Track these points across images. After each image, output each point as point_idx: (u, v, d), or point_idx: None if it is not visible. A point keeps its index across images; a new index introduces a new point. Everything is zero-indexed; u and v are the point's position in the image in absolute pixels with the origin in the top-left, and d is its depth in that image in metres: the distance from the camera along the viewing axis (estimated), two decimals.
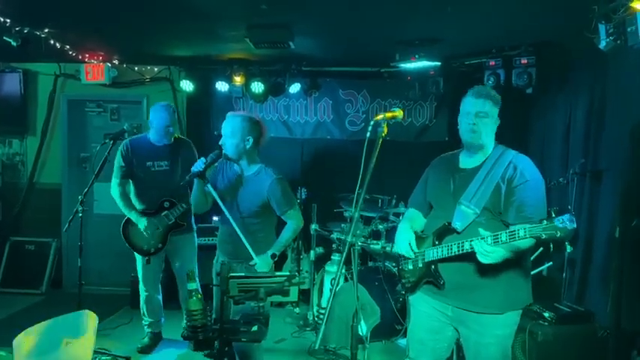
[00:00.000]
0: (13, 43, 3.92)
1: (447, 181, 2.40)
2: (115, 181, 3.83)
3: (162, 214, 3.81)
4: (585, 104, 4.05)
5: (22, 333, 2.03)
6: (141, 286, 4.04)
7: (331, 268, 4.58)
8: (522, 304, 2.35)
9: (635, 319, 3.25)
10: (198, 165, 2.84)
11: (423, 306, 2.44)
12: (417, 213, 2.58)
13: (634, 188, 3.39)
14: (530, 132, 5.08)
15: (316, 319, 4.57)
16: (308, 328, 4.54)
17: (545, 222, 1.91)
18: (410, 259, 2.42)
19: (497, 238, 2.02)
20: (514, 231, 1.99)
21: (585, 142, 4.01)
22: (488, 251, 2.04)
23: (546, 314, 3.27)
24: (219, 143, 2.95)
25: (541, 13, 3.39)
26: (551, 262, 3.74)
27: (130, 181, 3.89)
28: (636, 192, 3.37)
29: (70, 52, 4.87)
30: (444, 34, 4.08)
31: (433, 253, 2.31)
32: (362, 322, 3.30)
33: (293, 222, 3.04)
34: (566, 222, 1.86)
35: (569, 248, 3.73)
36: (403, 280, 2.49)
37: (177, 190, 3.80)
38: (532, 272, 3.60)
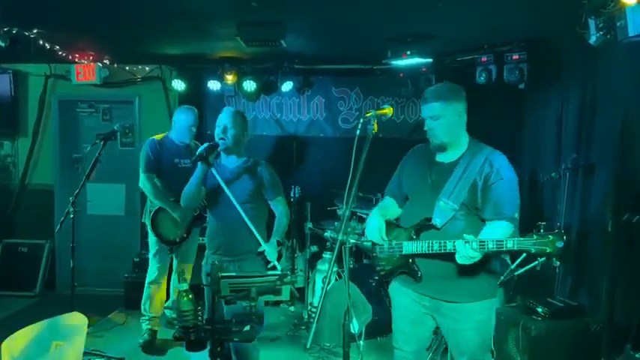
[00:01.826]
0: (1, 44, 3.89)
1: (423, 174, 2.44)
2: (143, 176, 3.96)
3: None
4: (577, 99, 4.05)
5: (11, 336, 2.02)
6: (149, 279, 4.08)
7: (323, 266, 4.58)
8: (496, 292, 2.45)
9: (629, 313, 3.25)
10: (202, 147, 2.92)
11: (401, 298, 2.50)
12: (392, 202, 2.62)
13: (626, 182, 3.40)
14: (523, 127, 5.09)
15: (309, 317, 4.56)
16: (303, 327, 4.53)
17: (535, 236, 1.94)
18: (381, 245, 2.43)
19: (484, 246, 2.06)
20: (502, 242, 2.03)
21: (577, 137, 4.01)
22: (472, 256, 2.09)
23: (539, 309, 3.28)
24: (217, 133, 2.99)
25: (532, 8, 3.39)
26: (544, 258, 3.73)
27: (155, 177, 4.00)
28: (628, 186, 3.38)
29: (60, 53, 4.83)
30: (435, 31, 4.07)
31: (412, 247, 2.32)
32: (354, 320, 3.30)
33: (284, 208, 3.12)
34: (556, 239, 1.90)
35: (556, 262, 3.72)
36: (378, 268, 2.51)
37: None
38: (526, 267, 3.66)
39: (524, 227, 4.13)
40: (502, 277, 3.69)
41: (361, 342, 3.63)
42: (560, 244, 1.90)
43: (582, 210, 3.90)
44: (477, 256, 2.09)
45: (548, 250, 1.91)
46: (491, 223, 2.27)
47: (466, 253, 2.09)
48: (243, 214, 2.90)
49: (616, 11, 2.76)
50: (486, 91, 4.66)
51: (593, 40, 3.04)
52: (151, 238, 4.06)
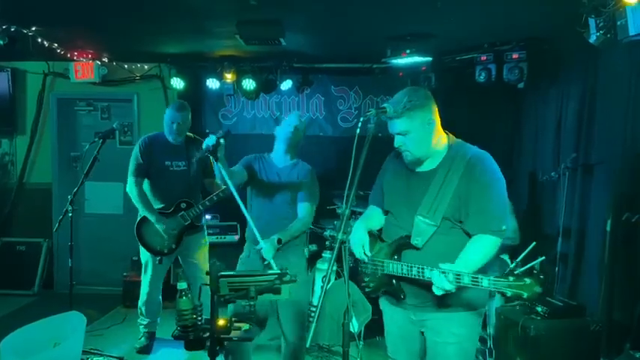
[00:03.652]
0: (0, 42, 3.88)
1: (401, 186, 2.30)
2: (131, 179, 3.75)
3: (179, 214, 3.77)
4: (576, 98, 4.05)
5: (10, 334, 2.01)
6: (143, 287, 3.96)
7: (322, 265, 4.57)
8: (482, 305, 2.27)
9: (628, 312, 3.26)
10: (210, 140, 2.80)
11: (390, 312, 2.41)
12: (377, 210, 2.47)
13: (625, 181, 3.40)
14: (522, 127, 5.09)
15: (308, 317, 4.55)
16: None
17: (511, 278, 1.82)
18: (367, 263, 2.32)
19: (460, 280, 1.92)
20: (477, 278, 1.89)
21: (577, 136, 4.01)
22: (447, 289, 1.94)
23: (539, 308, 3.27)
24: (287, 131, 3.17)
25: (532, 7, 3.38)
26: (543, 257, 3.73)
27: (146, 180, 3.82)
28: (627, 185, 3.38)
29: (59, 51, 4.81)
30: (434, 30, 4.06)
31: (393, 267, 2.19)
32: (353, 320, 3.29)
33: (307, 216, 3.10)
34: (533, 284, 1.79)
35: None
36: (363, 284, 2.38)
37: (194, 191, 3.88)
38: (525, 267, 3.65)
39: (524, 227, 4.16)
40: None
41: (360, 341, 3.63)
42: (538, 289, 1.77)
43: (581, 209, 3.90)
44: (452, 288, 1.94)
45: (525, 295, 1.78)
46: (476, 239, 2.08)
47: (442, 284, 1.93)
48: (276, 208, 3.04)
49: (616, 10, 2.75)
50: (486, 90, 4.67)
51: (593, 39, 3.04)
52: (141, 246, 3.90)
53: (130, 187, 3.76)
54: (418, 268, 2.07)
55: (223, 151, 2.84)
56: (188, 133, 3.94)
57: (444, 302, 2.16)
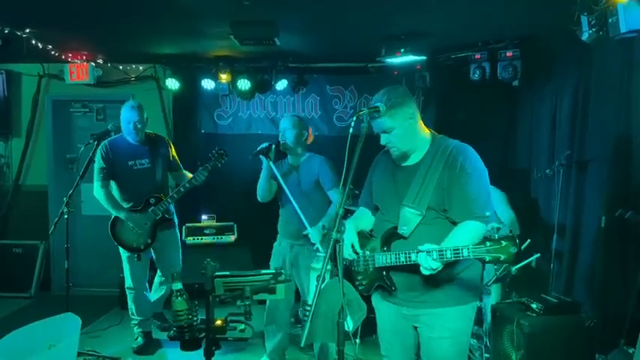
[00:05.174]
0: None
1: (388, 180, 2.35)
2: (97, 183, 3.84)
3: (150, 209, 3.84)
4: (570, 96, 4.07)
5: (4, 338, 2.01)
6: (128, 285, 4.04)
7: (317, 264, 4.57)
8: (475, 298, 2.32)
9: (622, 308, 3.27)
10: (263, 144, 3.35)
11: (383, 309, 2.43)
12: (366, 211, 2.53)
13: (619, 178, 3.42)
14: (517, 124, 5.10)
15: (303, 316, 4.56)
16: (298, 325, 4.53)
17: (488, 243, 1.88)
18: (357, 260, 2.35)
19: (443, 255, 1.97)
20: (458, 250, 1.95)
21: (571, 133, 4.03)
22: (434, 267, 1.99)
23: (534, 305, 3.28)
24: (280, 137, 3.47)
25: (525, 5, 3.40)
26: (538, 254, 3.75)
27: (112, 182, 3.91)
28: (621, 182, 3.40)
29: (53, 52, 4.81)
30: (428, 29, 4.07)
31: (382, 259, 2.24)
32: (348, 318, 3.31)
33: (338, 198, 3.36)
34: (509, 245, 1.84)
35: (513, 270, 3.73)
36: (356, 282, 2.40)
37: (162, 187, 3.97)
38: (520, 264, 3.67)
39: (519, 223, 4.17)
40: (493, 277, 3.71)
41: (357, 340, 3.63)
42: (513, 250, 1.82)
43: (576, 206, 3.92)
44: (438, 266, 1.99)
45: (502, 257, 1.84)
46: (460, 225, 2.14)
47: (427, 264, 1.98)
48: (295, 204, 3.32)
49: (608, 8, 2.77)
50: (480, 88, 4.68)
51: (585, 36, 3.05)
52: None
53: (97, 191, 3.85)
54: (405, 253, 2.13)
55: (274, 155, 3.40)
56: (148, 132, 4.02)
57: (436, 297, 2.20)
